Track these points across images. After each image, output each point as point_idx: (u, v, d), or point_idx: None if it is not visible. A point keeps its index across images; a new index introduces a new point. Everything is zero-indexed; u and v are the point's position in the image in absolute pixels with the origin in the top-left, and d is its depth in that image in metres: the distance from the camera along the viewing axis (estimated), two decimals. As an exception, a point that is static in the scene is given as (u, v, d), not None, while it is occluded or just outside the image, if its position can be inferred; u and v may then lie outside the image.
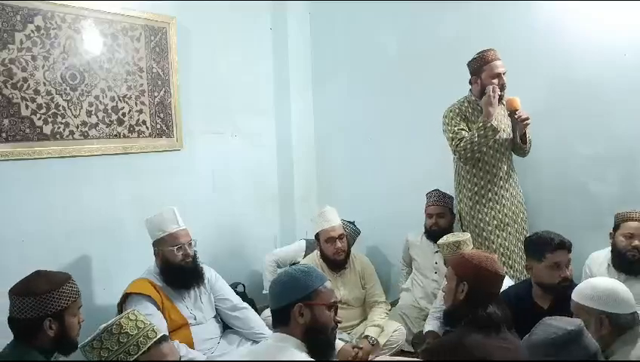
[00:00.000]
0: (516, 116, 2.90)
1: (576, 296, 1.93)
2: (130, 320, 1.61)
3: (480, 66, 2.95)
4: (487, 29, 3.41)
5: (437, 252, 3.35)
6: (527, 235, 2.82)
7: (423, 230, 3.46)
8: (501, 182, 3.01)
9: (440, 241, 2.83)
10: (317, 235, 3.19)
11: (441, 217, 3.37)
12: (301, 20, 4.21)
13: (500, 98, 2.93)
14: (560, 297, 2.32)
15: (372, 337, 3.00)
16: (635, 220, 2.68)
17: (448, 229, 3.30)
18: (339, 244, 3.11)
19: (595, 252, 2.87)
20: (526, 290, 2.47)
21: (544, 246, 2.39)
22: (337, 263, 3.15)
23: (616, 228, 2.74)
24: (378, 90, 3.96)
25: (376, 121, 3.98)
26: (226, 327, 2.93)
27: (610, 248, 2.77)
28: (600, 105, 3.06)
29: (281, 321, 1.75)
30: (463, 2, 3.50)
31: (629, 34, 2.98)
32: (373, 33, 3.95)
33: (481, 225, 3.05)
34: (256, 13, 4.00)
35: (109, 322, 1.60)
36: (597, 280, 1.98)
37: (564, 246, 2.37)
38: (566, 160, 3.19)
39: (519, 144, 3.03)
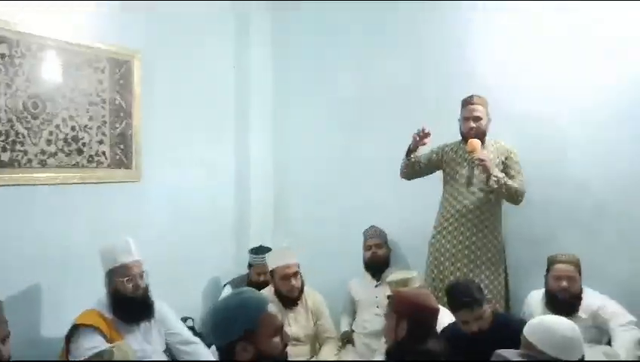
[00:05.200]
0: (469, 157, 3.07)
1: (530, 333, 1.94)
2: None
3: (461, 108, 3.19)
4: (441, 77, 3.64)
5: (377, 286, 3.56)
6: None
7: (363, 267, 3.65)
8: (463, 219, 3.14)
9: (389, 279, 2.94)
10: (272, 272, 3.24)
11: (379, 248, 3.62)
12: (264, 57, 4.35)
13: (466, 138, 3.12)
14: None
15: None
16: (562, 262, 2.85)
17: (385, 260, 3.61)
18: (293, 282, 3.16)
19: (535, 291, 3.03)
20: None
21: (453, 305, 2.51)
22: (291, 300, 3.20)
23: (548, 270, 2.91)
24: (338, 127, 4.12)
25: (336, 156, 4.13)
26: (175, 362, 2.92)
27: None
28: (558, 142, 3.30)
29: (225, 360, 1.69)
30: (419, 51, 3.74)
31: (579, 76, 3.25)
32: (334, 74, 4.12)
33: (436, 254, 3.22)
34: (220, 50, 4.13)
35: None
36: (554, 324, 1.95)
37: (460, 306, 2.45)
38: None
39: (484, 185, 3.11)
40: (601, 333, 2.77)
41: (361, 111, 4.01)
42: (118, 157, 3.38)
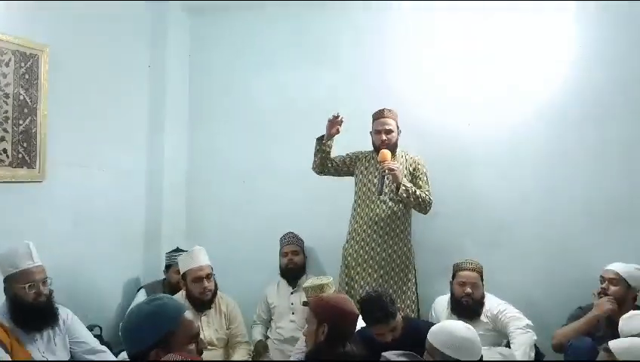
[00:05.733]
0: (380, 167, 3.16)
1: (432, 338, 2.06)
2: None
3: (372, 121, 3.33)
4: (355, 90, 3.78)
5: (292, 293, 3.60)
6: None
7: (279, 273, 3.68)
8: (375, 227, 3.26)
9: (305, 285, 2.99)
10: (184, 275, 3.16)
11: (295, 254, 3.65)
12: (181, 61, 4.27)
13: (378, 150, 3.23)
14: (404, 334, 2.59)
15: None
16: (467, 269, 3.05)
17: (302, 267, 3.64)
18: (206, 284, 3.11)
19: (441, 296, 3.21)
20: None
21: (368, 320, 2.58)
22: (204, 303, 3.14)
23: (453, 276, 3.10)
24: (254, 137, 4.13)
25: (251, 166, 4.12)
26: (80, 372, 2.79)
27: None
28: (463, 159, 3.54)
29: None
30: (335, 62, 3.86)
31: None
32: (251, 83, 4.14)
33: (348, 258, 3.32)
34: (135, 52, 4.00)
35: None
36: (453, 328, 2.09)
37: (376, 322, 2.54)
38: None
39: (394, 195, 3.23)
40: (500, 336, 2.99)
41: (278, 120, 4.05)
42: (20, 155, 3.17)
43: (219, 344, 3.21)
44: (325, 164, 3.42)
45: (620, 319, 2.36)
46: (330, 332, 2.14)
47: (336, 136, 3.36)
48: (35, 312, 2.60)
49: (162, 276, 3.78)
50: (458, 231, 3.52)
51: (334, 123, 3.28)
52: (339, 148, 3.47)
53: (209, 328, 3.18)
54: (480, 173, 3.51)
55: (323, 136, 3.36)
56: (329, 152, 3.39)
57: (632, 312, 2.38)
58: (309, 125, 3.80)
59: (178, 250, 3.72)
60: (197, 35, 4.34)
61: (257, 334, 3.65)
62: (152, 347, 1.60)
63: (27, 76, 3.19)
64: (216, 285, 3.21)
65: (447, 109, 3.58)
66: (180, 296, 3.18)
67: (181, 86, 4.29)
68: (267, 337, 3.63)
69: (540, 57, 3.38)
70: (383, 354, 1.88)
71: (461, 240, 3.50)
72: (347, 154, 3.47)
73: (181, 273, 3.20)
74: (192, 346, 1.67)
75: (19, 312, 2.58)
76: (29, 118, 3.22)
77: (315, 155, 3.42)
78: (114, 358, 2.85)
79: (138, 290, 3.70)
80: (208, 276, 3.15)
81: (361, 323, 2.56)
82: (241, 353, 3.23)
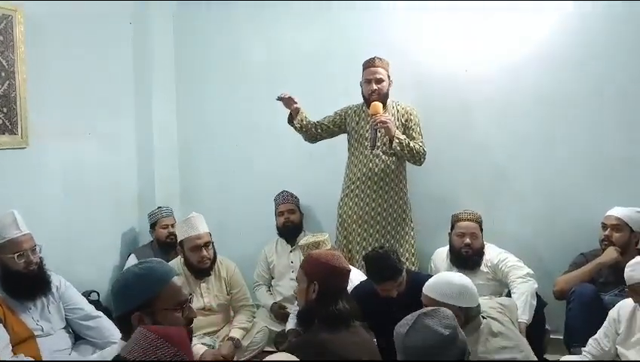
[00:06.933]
0: (371, 120, 3.05)
1: (430, 291, 2.05)
2: None
3: (362, 70, 3.19)
4: (348, 42, 3.62)
5: (292, 251, 3.56)
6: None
7: (277, 233, 3.62)
8: (369, 182, 3.18)
9: (301, 242, 2.95)
10: (181, 242, 3.07)
11: (292, 213, 3.59)
12: (164, 20, 4.09)
13: (368, 100, 3.13)
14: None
15: (236, 338, 3.00)
16: (465, 220, 2.99)
17: (299, 224, 3.59)
18: (204, 253, 3.01)
19: (440, 248, 3.16)
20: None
21: (376, 278, 2.56)
22: (202, 271, 3.07)
23: (452, 228, 3.03)
24: (244, 96, 3.98)
25: (243, 126, 4.00)
26: (78, 338, 2.77)
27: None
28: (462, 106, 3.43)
29: (123, 330, 1.63)
30: (326, 16, 3.69)
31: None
32: (239, 41, 3.98)
33: (344, 216, 3.26)
34: (116, 6, 3.81)
35: None
36: (448, 277, 2.11)
37: (384, 279, 2.52)
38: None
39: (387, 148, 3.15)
40: (501, 286, 2.96)
41: (268, 77, 3.89)
42: (0, 121, 3.07)
43: (219, 309, 3.16)
44: (313, 134, 3.32)
45: (626, 266, 2.29)
46: (320, 290, 2.08)
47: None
48: (26, 281, 2.57)
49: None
50: (457, 182, 3.45)
51: (285, 101, 3.22)
52: (335, 106, 3.38)
53: (209, 294, 3.12)
54: (478, 122, 3.41)
55: (290, 116, 3.27)
56: (307, 123, 3.28)
57: (638, 258, 2.30)
58: (301, 80, 3.71)
59: (159, 208, 3.73)
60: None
61: (266, 297, 3.59)
62: (137, 309, 1.58)
63: (1, 38, 3.05)
64: (215, 252, 3.13)
65: (444, 58, 3.43)
66: (178, 263, 3.11)
67: (166, 44, 4.12)
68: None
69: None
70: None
71: (460, 191, 3.43)
72: (336, 113, 3.35)
73: (179, 240, 3.11)
74: (179, 313, 1.63)
75: (10, 282, 2.56)
76: (7, 82, 3.09)
77: (299, 133, 3.32)
78: (110, 323, 2.79)
79: (128, 256, 3.68)
80: (207, 244, 3.05)
81: (354, 279, 2.52)
82: (244, 316, 3.19)
